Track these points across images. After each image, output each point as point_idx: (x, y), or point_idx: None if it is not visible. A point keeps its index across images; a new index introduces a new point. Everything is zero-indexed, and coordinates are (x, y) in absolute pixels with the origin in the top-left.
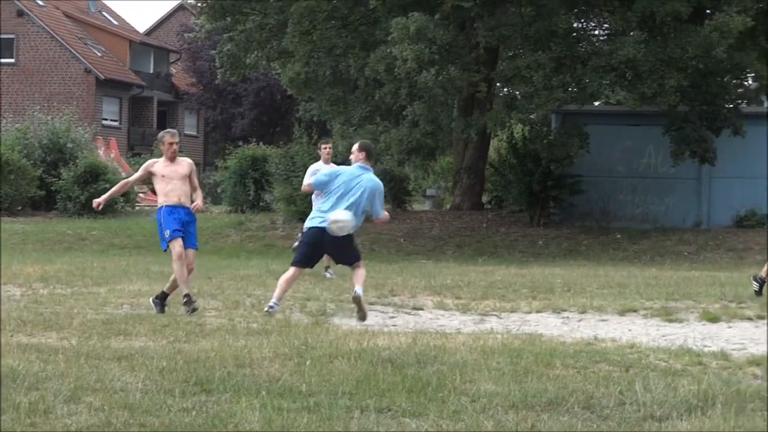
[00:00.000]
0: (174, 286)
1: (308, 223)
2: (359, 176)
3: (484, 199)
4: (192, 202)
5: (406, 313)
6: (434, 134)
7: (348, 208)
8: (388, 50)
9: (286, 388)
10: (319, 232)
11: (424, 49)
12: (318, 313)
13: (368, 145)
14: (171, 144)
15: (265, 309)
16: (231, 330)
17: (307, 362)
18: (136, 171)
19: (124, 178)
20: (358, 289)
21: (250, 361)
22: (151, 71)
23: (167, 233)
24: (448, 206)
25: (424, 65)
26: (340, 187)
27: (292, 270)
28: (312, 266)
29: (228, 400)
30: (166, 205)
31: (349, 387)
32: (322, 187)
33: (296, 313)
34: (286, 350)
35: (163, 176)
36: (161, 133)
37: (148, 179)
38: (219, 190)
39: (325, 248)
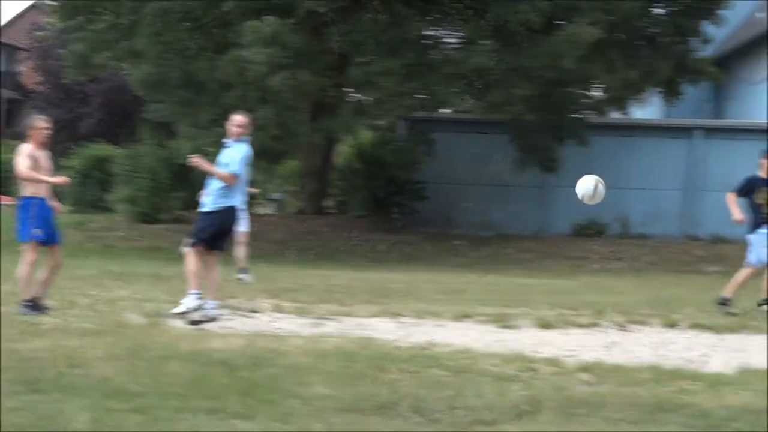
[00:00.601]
0: (45, 284)
1: (219, 204)
2: (249, 151)
3: (329, 203)
4: None
5: (243, 315)
6: (282, 138)
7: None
8: (241, 53)
9: (117, 388)
10: (231, 212)
11: (277, 52)
12: (153, 314)
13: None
14: (44, 129)
15: (192, 306)
16: (65, 330)
17: (140, 363)
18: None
19: None
20: (212, 305)
21: (83, 361)
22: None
23: (37, 232)
24: (292, 210)
25: (275, 69)
26: (243, 168)
27: (195, 253)
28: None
29: (58, 401)
30: (37, 197)
31: (180, 388)
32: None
33: (131, 314)
34: (120, 351)
35: (41, 167)
36: (32, 119)
37: None
38: (61, 190)
39: (228, 230)
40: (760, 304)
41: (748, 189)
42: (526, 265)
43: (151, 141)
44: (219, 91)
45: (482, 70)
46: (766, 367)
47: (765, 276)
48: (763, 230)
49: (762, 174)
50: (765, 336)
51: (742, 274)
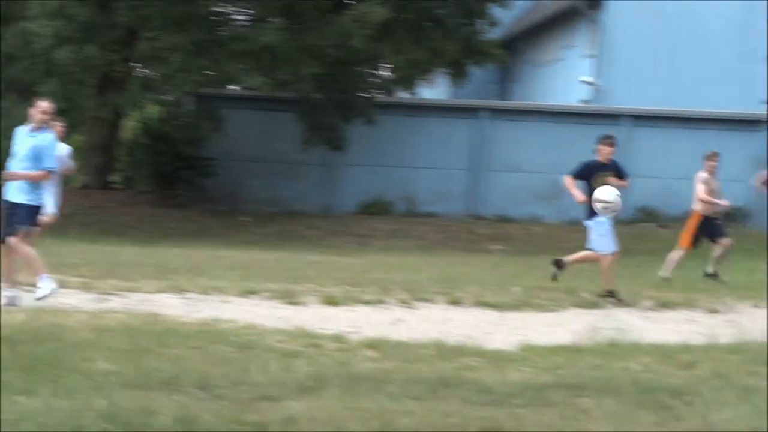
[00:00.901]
0: None
1: (30, 200)
2: (54, 139)
3: (115, 178)
4: None
5: (25, 291)
6: (68, 112)
7: None
8: (27, 25)
9: None
10: (38, 209)
11: (64, 25)
12: None
13: None
14: None
15: (54, 287)
16: None
17: None
18: None
19: None
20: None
21: None
22: None
23: None
24: (77, 185)
25: (62, 42)
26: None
27: (22, 240)
28: None
29: None
30: None
31: None
32: None
33: None
34: None
35: None
36: None
37: None
38: None
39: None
40: (603, 296)
41: (586, 173)
42: (313, 242)
43: None
44: (4, 63)
45: (271, 48)
46: (546, 343)
47: (607, 265)
48: (599, 217)
49: (600, 159)
50: (545, 314)
51: (606, 262)
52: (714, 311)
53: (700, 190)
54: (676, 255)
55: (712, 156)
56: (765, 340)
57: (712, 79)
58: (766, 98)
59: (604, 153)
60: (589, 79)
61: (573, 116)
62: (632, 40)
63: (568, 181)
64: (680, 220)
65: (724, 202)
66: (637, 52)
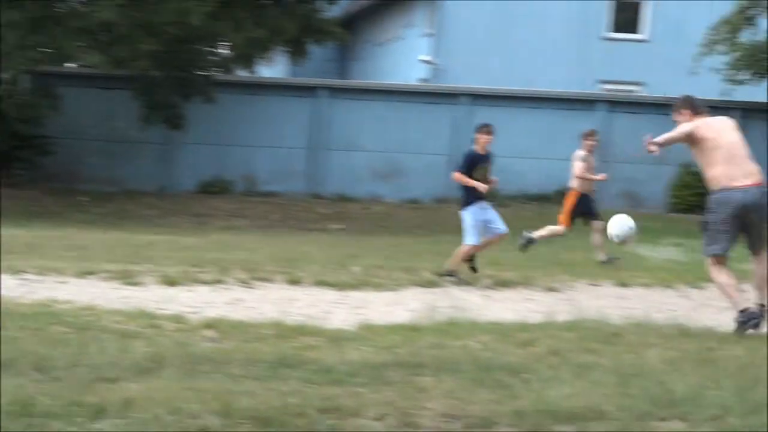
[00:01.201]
0: None
1: None
2: None
3: None
4: None
5: None
6: None
7: None
8: None
9: None
10: None
11: None
12: None
13: None
14: None
15: None
16: None
17: None
18: None
19: None
20: None
21: None
22: None
23: None
24: None
25: None
26: None
27: None
28: None
29: None
30: None
31: None
32: None
33: None
34: None
35: None
36: None
37: None
38: None
39: None
40: (442, 275)
41: (470, 166)
42: (152, 221)
43: None
44: None
45: (108, 25)
46: (385, 322)
47: (463, 253)
48: (474, 207)
49: (478, 149)
50: (385, 293)
51: (463, 250)
52: (552, 289)
53: (578, 167)
54: (554, 229)
55: (590, 135)
56: (600, 317)
57: (550, 58)
58: (602, 78)
59: (481, 142)
60: (428, 58)
61: (412, 95)
62: (470, 19)
63: (461, 177)
64: (517, 198)
65: (601, 177)
66: (476, 31)
